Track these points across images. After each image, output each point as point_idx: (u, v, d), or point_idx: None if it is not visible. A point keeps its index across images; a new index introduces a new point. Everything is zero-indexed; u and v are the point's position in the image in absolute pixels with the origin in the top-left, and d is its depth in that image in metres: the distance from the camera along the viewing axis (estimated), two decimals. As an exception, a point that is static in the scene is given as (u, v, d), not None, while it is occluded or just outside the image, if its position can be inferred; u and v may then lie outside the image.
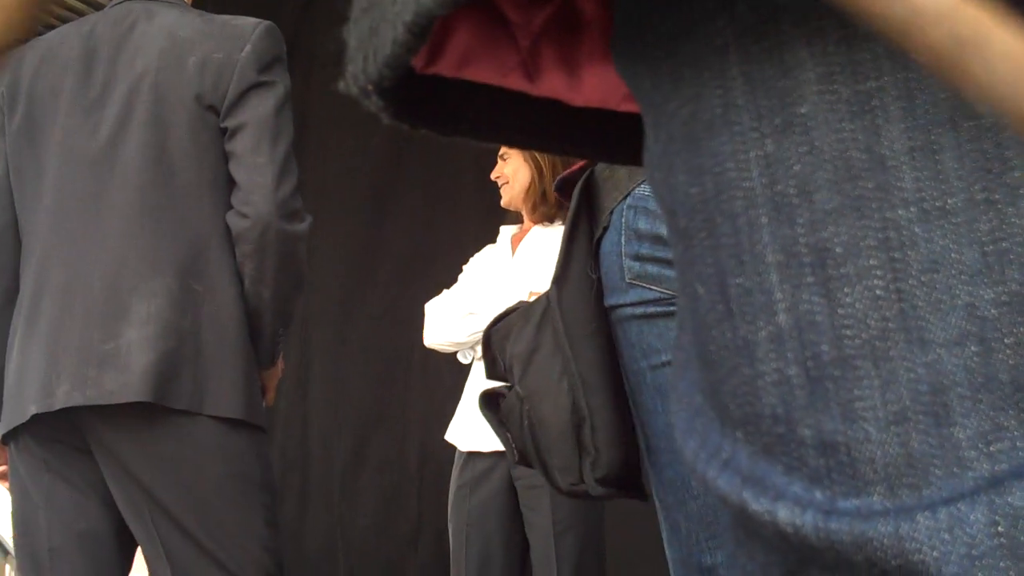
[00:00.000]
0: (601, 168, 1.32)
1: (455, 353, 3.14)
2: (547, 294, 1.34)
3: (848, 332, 0.45)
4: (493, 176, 3.16)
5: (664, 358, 1.25)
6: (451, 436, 3.12)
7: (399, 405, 4.55)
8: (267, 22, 2.07)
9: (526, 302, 1.42)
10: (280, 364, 2.19)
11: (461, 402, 3.14)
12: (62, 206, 1.99)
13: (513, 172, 3.09)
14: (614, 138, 0.67)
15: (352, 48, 0.54)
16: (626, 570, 3.64)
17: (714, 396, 0.50)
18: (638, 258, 1.26)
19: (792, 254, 0.46)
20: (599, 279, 1.31)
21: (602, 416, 1.29)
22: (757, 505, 0.47)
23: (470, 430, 3.05)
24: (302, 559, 4.30)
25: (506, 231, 3.22)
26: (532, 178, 3.05)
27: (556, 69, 0.63)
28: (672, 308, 1.24)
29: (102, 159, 1.98)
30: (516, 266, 3.08)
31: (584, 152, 0.70)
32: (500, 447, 2.95)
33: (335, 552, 4.45)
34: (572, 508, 2.92)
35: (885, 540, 0.43)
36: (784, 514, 0.46)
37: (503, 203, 3.14)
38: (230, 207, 1.99)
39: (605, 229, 1.30)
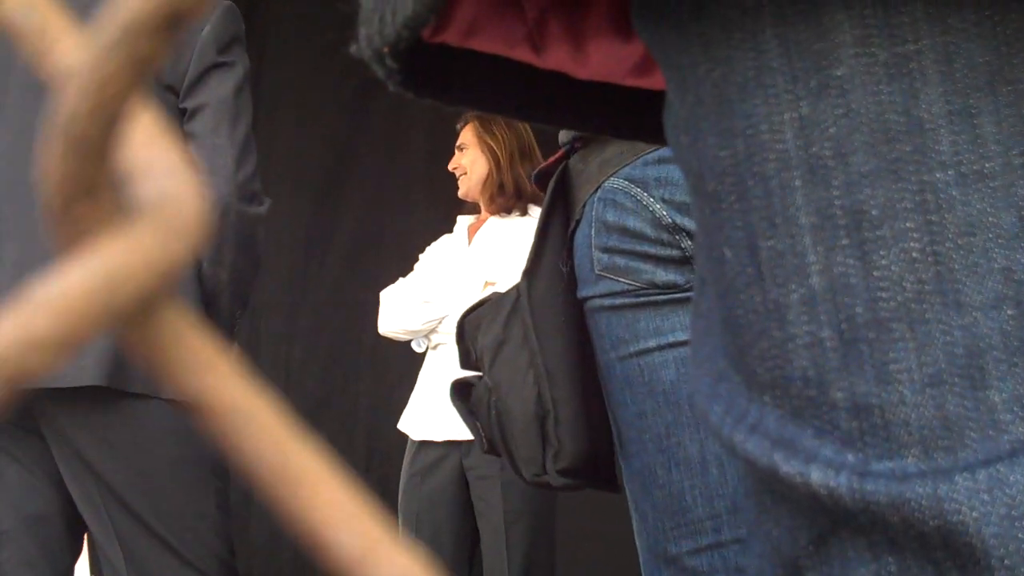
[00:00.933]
0: (575, 161, 1.33)
1: (408, 342, 3.13)
2: (517, 286, 1.35)
3: (883, 294, 0.45)
4: (451, 167, 3.16)
5: (632, 348, 1.26)
6: (403, 425, 3.12)
7: (347, 393, 4.53)
8: (226, 2, 2.04)
9: (498, 293, 1.42)
10: (235, 347, 2.17)
11: (415, 391, 3.13)
12: (14, 185, 1.96)
13: (471, 163, 3.09)
14: (619, 112, 0.67)
15: (367, 10, 0.53)
16: (576, 560, 3.66)
17: (740, 360, 0.50)
18: (607, 250, 1.27)
19: (827, 216, 0.46)
20: (571, 271, 1.32)
21: (566, 409, 1.30)
22: (788, 467, 0.47)
23: (422, 419, 3.05)
24: (248, 547, 4.27)
25: (463, 221, 3.22)
26: (490, 169, 3.06)
27: (562, 42, 0.62)
28: (640, 299, 1.25)
29: None
30: (472, 256, 3.08)
31: (588, 126, 0.70)
32: (452, 436, 2.96)
33: (280, 540, 4.43)
34: (522, 498, 2.93)
35: (923, 501, 0.43)
36: (818, 475, 0.46)
37: (460, 194, 3.14)
38: (188, 188, 1.97)
39: (578, 222, 1.32)
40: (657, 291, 1.25)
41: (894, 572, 0.45)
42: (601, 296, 1.28)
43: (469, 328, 1.41)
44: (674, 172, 1.24)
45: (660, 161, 1.25)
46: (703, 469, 1.23)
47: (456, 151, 3.15)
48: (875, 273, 0.45)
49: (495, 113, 0.66)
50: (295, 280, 4.45)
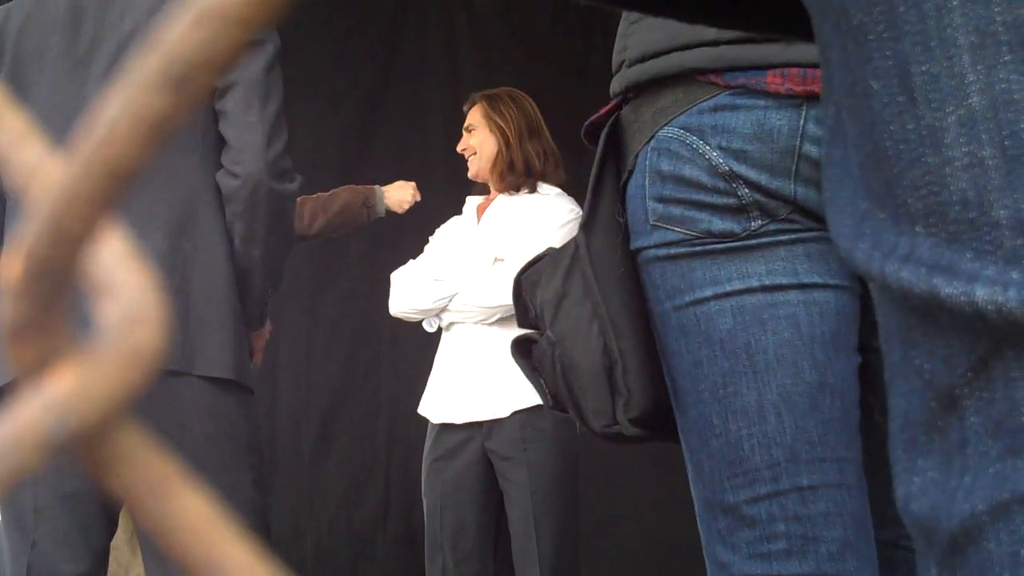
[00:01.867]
0: (628, 111, 1.32)
1: (421, 322, 3.13)
2: (575, 239, 1.34)
3: None
4: (460, 148, 3.16)
5: (688, 298, 1.26)
6: (423, 409, 3.12)
7: (368, 381, 4.54)
8: (258, -20, 2.05)
9: (554, 248, 1.41)
10: (268, 326, 2.18)
11: (432, 374, 3.13)
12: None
13: (480, 143, 3.09)
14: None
15: None
16: (599, 540, 3.67)
17: (888, 194, 0.49)
18: (661, 199, 1.26)
19: (987, 33, 0.45)
20: (626, 223, 1.31)
21: (633, 358, 1.29)
22: (951, 288, 0.46)
23: (442, 402, 3.04)
24: (269, 536, 4.29)
25: (472, 201, 3.22)
26: (499, 148, 3.06)
27: None
28: (696, 249, 1.24)
29: (87, 118, 1.96)
30: (481, 234, 3.08)
31: (677, 12, 0.69)
32: (473, 418, 2.96)
33: (303, 529, 4.44)
34: (550, 478, 2.93)
35: None
36: (983, 293, 0.45)
37: (470, 174, 3.14)
38: (220, 166, 1.98)
39: (631, 172, 1.30)
40: (713, 240, 1.24)
41: None
42: (656, 246, 1.27)
43: (527, 285, 1.40)
44: (731, 119, 1.23)
45: (716, 109, 1.24)
46: (761, 418, 1.23)
47: (464, 132, 3.16)
48: None
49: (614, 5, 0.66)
50: (315, 268, 4.46)
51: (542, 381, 1.38)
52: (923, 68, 0.47)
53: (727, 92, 1.23)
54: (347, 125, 4.57)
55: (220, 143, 1.98)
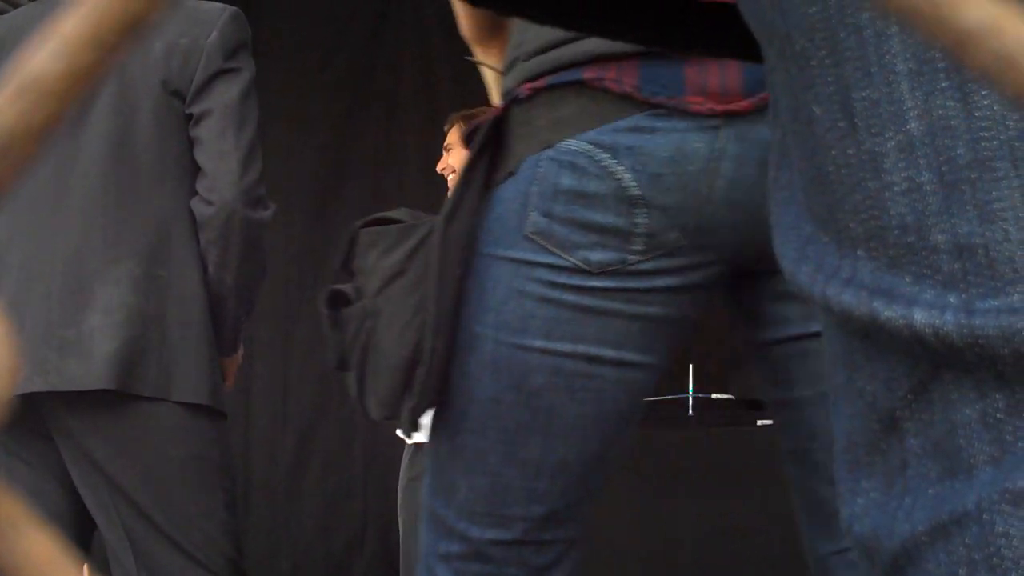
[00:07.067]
0: (519, 112, 1.25)
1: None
2: (432, 223, 1.27)
3: (985, 134, 0.45)
4: (439, 168, 3.16)
5: (515, 339, 1.21)
6: (399, 430, 3.12)
7: (344, 404, 4.54)
8: (233, 8, 2.07)
9: (409, 215, 1.34)
10: (240, 351, 2.19)
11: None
12: (22, 189, 1.98)
13: (457, 162, 3.11)
14: (677, 23, 0.67)
15: None
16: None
17: (830, 218, 0.50)
18: (548, 214, 1.19)
19: (925, 60, 0.45)
20: (477, 224, 1.25)
21: (441, 363, 1.24)
22: (890, 312, 0.47)
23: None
24: (245, 558, 4.28)
25: None
26: None
27: None
28: (552, 289, 1.20)
29: (64, 143, 1.97)
30: None
31: (631, 35, 0.70)
32: (445, 439, 2.96)
33: (279, 551, 4.44)
34: None
35: None
36: (921, 316, 0.46)
37: (449, 195, 3.14)
38: (194, 193, 1.99)
39: (510, 174, 1.24)
40: (580, 275, 1.19)
41: (1001, 408, 0.46)
42: (517, 261, 1.21)
43: (364, 240, 1.32)
44: (648, 142, 1.17)
45: (633, 130, 1.18)
46: (536, 476, 1.22)
47: (443, 152, 3.17)
48: (976, 114, 0.45)
49: (547, 23, 0.65)
50: (291, 290, 4.47)
51: (338, 337, 1.32)
52: (863, 94, 0.47)
53: (646, 113, 1.18)
54: (321, 149, 4.59)
55: (195, 170, 1.99)
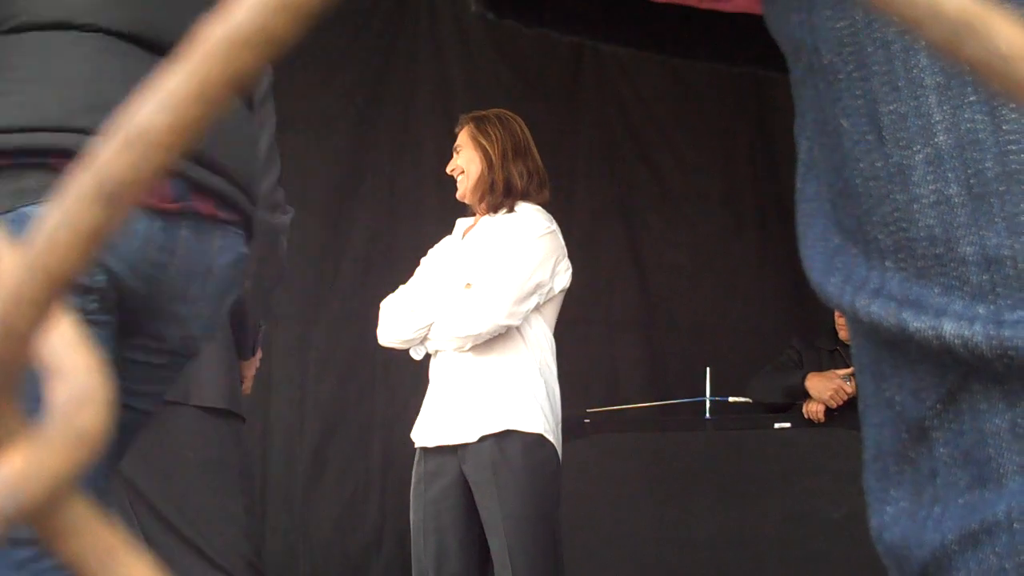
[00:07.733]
0: None
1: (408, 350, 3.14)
2: None
3: (1013, 147, 0.45)
4: (448, 169, 3.15)
5: None
6: (413, 433, 3.14)
7: (361, 407, 4.56)
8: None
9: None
10: (258, 354, 2.20)
11: (424, 399, 3.15)
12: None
13: (466, 163, 3.07)
14: (697, 35, 0.68)
15: None
16: (586, 559, 3.68)
17: (859, 230, 0.50)
18: None
19: (953, 74, 0.46)
20: None
21: None
22: (919, 323, 0.47)
23: (422, 427, 3.05)
24: (261, 560, 4.29)
25: (461, 223, 3.21)
26: (482, 169, 3.05)
27: None
28: None
29: None
30: (460, 255, 3.09)
31: (660, 48, 0.71)
32: (443, 442, 2.94)
33: (296, 554, 4.45)
34: (522, 503, 2.86)
35: None
36: (950, 327, 0.46)
37: (458, 195, 3.12)
38: (213, 198, 2.00)
39: None
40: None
41: None
42: None
43: None
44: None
45: None
46: None
47: (454, 153, 3.17)
48: (1004, 127, 0.45)
49: (574, 36, 0.67)
50: (308, 294, 4.48)
51: None
52: (891, 107, 0.48)
53: None
54: (337, 152, 4.60)
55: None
